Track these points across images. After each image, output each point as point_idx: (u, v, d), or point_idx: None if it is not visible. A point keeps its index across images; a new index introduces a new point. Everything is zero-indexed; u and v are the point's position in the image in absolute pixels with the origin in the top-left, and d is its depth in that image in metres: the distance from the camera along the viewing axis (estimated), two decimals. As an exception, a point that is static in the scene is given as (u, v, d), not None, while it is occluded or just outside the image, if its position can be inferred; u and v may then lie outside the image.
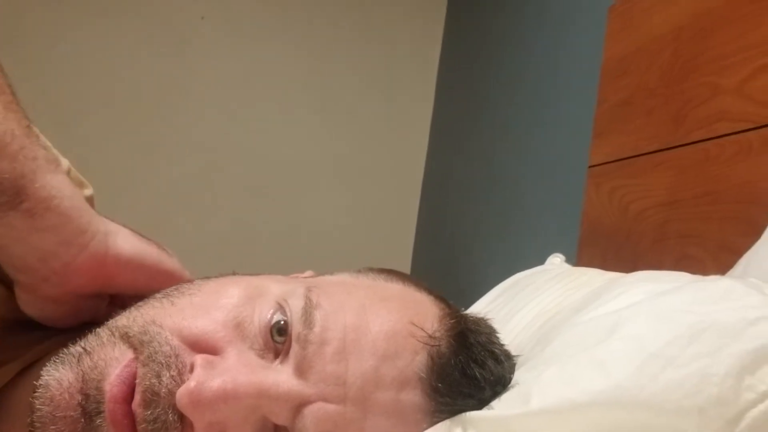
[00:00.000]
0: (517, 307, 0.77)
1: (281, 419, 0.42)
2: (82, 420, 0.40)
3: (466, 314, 0.52)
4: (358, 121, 2.33)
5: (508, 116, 1.72)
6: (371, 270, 0.54)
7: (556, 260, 1.12)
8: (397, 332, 0.45)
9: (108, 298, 0.52)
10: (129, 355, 0.42)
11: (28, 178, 0.43)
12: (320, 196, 2.28)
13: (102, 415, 0.40)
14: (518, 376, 0.48)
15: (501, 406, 0.44)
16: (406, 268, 2.30)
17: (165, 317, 0.44)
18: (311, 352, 0.42)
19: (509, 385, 0.47)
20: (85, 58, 2.08)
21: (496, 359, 0.48)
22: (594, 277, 0.78)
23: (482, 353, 0.47)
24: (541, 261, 1.13)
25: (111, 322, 0.45)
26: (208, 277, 0.51)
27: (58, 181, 0.45)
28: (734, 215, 0.78)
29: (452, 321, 0.48)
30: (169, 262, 0.52)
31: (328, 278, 0.53)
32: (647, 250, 0.94)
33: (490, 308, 0.85)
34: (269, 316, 0.45)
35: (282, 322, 0.44)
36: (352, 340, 0.43)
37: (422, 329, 0.45)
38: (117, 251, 0.48)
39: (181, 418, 0.40)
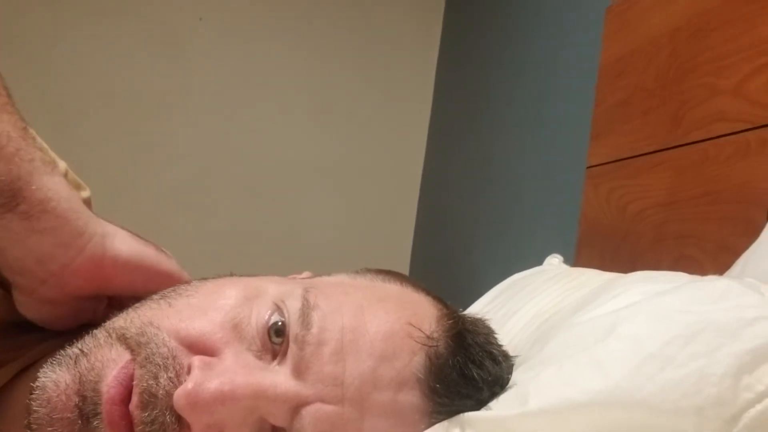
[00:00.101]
0: (515, 308, 0.77)
1: (279, 420, 0.42)
2: (79, 421, 0.40)
3: (464, 315, 0.52)
4: (357, 121, 2.33)
5: (506, 117, 1.72)
6: (369, 271, 0.54)
7: (554, 261, 1.12)
8: (394, 333, 0.45)
9: (106, 299, 0.52)
10: (126, 356, 0.42)
11: (25, 180, 0.43)
12: (319, 196, 2.28)
13: (99, 417, 0.40)
14: (516, 376, 0.48)
15: (499, 406, 0.44)
16: (405, 269, 2.30)
17: (162, 318, 0.44)
18: (309, 353, 0.42)
19: (507, 386, 0.47)
20: (82, 59, 2.07)
21: (494, 360, 0.48)
22: (592, 277, 0.78)
23: (480, 354, 0.47)
24: (539, 261, 1.13)
25: (108, 324, 0.45)
26: (205, 278, 0.51)
27: (55, 183, 0.45)
28: (732, 215, 0.78)
29: (450, 321, 0.48)
30: (167, 263, 0.52)
31: (325, 279, 0.53)
32: (645, 250, 0.94)
33: (488, 309, 0.85)
34: (267, 317, 0.44)
35: (279, 323, 0.44)
36: (350, 341, 0.43)
37: (420, 330, 0.45)
38: (114, 253, 0.47)
39: (179, 419, 0.40)
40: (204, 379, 0.40)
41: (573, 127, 1.30)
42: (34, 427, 0.40)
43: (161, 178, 2.14)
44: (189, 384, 0.40)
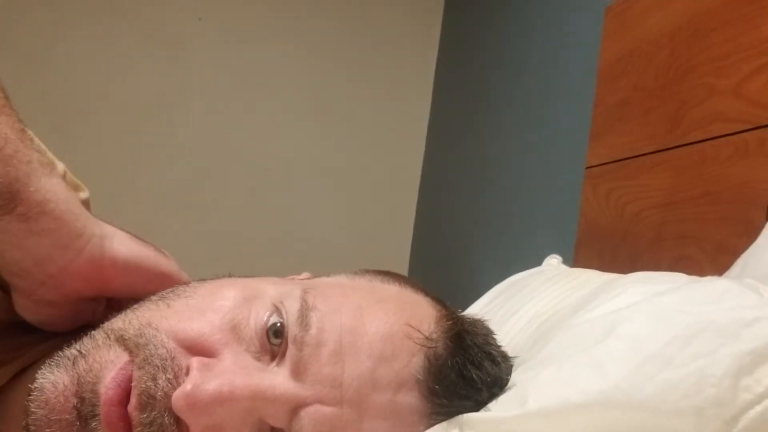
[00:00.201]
0: (514, 309, 0.77)
1: (278, 422, 0.42)
2: (77, 423, 0.40)
3: (463, 316, 0.52)
4: (356, 121, 2.33)
5: (505, 117, 1.72)
6: (368, 271, 0.54)
7: (553, 261, 1.12)
8: (393, 334, 0.45)
9: (105, 301, 0.52)
10: (124, 357, 0.42)
11: (23, 182, 0.43)
12: (318, 196, 2.28)
13: (97, 418, 0.40)
14: (515, 377, 0.48)
15: (498, 407, 0.44)
16: (404, 269, 2.30)
17: (161, 320, 0.44)
18: (307, 354, 0.42)
19: (506, 387, 0.47)
20: (82, 60, 2.07)
21: (493, 361, 0.48)
22: (591, 278, 0.78)
23: (479, 355, 0.47)
24: (538, 262, 1.13)
25: (106, 325, 0.45)
26: (204, 279, 0.51)
27: (53, 185, 0.45)
28: (731, 216, 0.78)
29: (449, 322, 0.48)
30: (166, 264, 0.52)
31: (324, 280, 0.53)
32: (644, 250, 0.94)
33: (487, 309, 0.85)
34: (265, 318, 0.44)
35: (278, 324, 0.44)
36: (349, 342, 0.43)
37: (419, 331, 0.45)
38: (113, 254, 0.47)
39: (178, 420, 0.40)
40: (203, 381, 0.40)
41: (572, 127, 1.30)
42: (33, 428, 0.40)
43: (160, 179, 2.14)
44: (188, 385, 0.40)
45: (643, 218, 0.96)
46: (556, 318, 0.61)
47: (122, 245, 0.48)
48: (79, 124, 2.06)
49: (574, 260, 1.13)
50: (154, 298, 0.48)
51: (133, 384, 0.41)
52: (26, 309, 0.48)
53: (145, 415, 0.40)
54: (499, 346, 0.52)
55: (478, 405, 0.45)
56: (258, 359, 0.43)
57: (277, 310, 0.45)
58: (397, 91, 2.36)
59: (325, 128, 2.30)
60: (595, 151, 1.13)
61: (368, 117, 2.33)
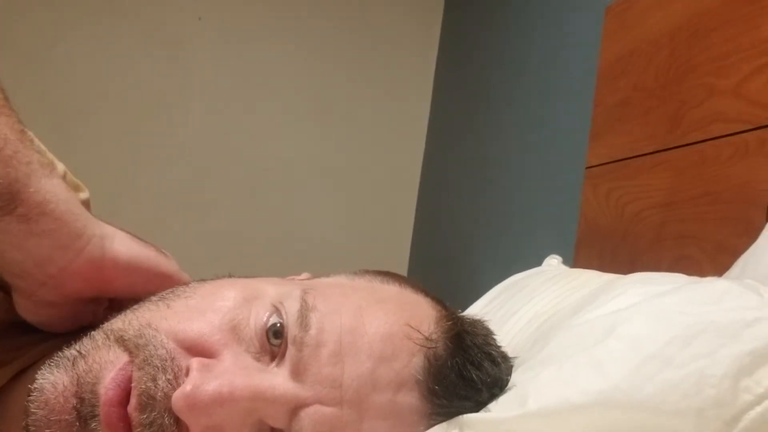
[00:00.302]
0: (514, 309, 0.77)
1: (278, 422, 0.42)
2: (77, 423, 0.40)
3: (463, 316, 0.52)
4: (356, 121, 2.33)
5: (505, 117, 1.72)
6: (368, 272, 0.54)
7: (553, 261, 1.13)
8: (393, 334, 0.45)
9: (106, 302, 0.52)
10: (124, 358, 0.42)
11: (22, 183, 0.43)
12: (318, 196, 2.28)
13: (97, 419, 0.40)
14: (515, 377, 0.48)
15: (498, 408, 0.44)
16: (403, 270, 2.30)
17: (161, 320, 0.44)
18: (307, 355, 0.42)
19: (506, 387, 0.47)
20: (82, 59, 2.07)
21: (493, 361, 0.48)
22: (591, 278, 0.78)
23: (479, 355, 0.47)
24: (538, 262, 1.13)
25: (106, 325, 0.45)
26: (203, 280, 0.51)
27: (53, 185, 0.45)
28: (731, 216, 0.78)
29: (449, 323, 0.48)
30: (167, 264, 0.52)
31: (324, 280, 0.53)
32: (644, 251, 0.94)
33: (487, 310, 0.85)
34: (265, 318, 0.44)
35: (278, 325, 0.44)
36: (349, 343, 0.43)
37: (419, 331, 0.45)
38: (113, 255, 0.47)
39: (177, 421, 0.40)
40: (202, 381, 0.40)
41: (572, 127, 1.30)
42: (32, 429, 0.40)
43: (160, 179, 2.14)
44: (187, 386, 0.40)
45: (643, 218, 0.96)
46: (556, 318, 0.61)
47: (123, 246, 0.48)
48: (79, 124, 2.06)
49: (574, 260, 1.13)
50: (153, 298, 0.48)
51: (132, 385, 0.41)
52: (27, 310, 0.48)
53: (144, 416, 0.40)
54: (499, 347, 0.52)
55: (478, 405, 0.45)
56: (258, 360, 0.43)
57: (276, 310, 0.45)
58: (397, 91, 2.36)
59: (325, 128, 2.30)
60: (595, 151, 1.13)
61: (368, 117, 2.33)
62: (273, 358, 0.44)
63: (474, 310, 0.88)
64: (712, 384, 0.36)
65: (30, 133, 0.47)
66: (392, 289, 0.51)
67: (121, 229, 0.50)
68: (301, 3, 2.29)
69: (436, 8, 2.39)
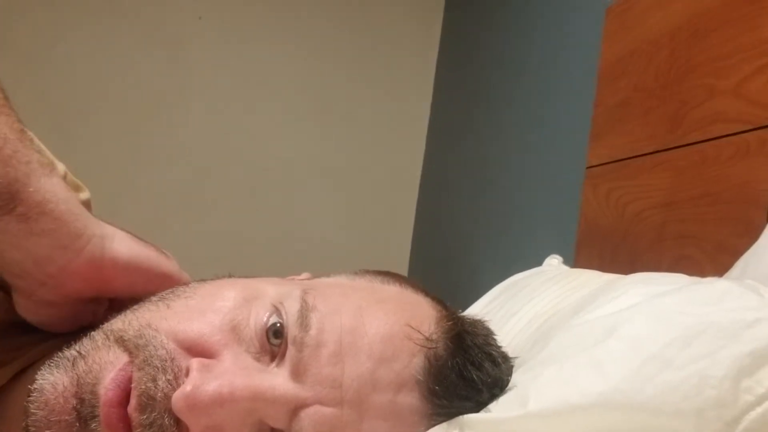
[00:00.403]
0: (515, 309, 0.77)
1: (278, 422, 0.42)
2: (77, 424, 0.40)
3: (463, 316, 0.52)
4: (356, 121, 2.33)
5: (505, 117, 1.72)
6: (368, 272, 0.54)
7: (553, 261, 1.12)
8: (393, 335, 0.44)
9: (107, 302, 0.52)
10: (124, 358, 0.42)
11: (22, 182, 0.43)
12: (318, 196, 2.28)
13: (97, 419, 0.40)
14: (516, 378, 0.48)
15: (498, 408, 0.44)
16: (404, 270, 2.29)
17: (160, 320, 0.44)
18: (307, 355, 0.42)
19: (507, 388, 0.47)
20: (82, 59, 2.07)
21: (494, 361, 0.48)
22: (592, 278, 0.78)
23: (479, 355, 0.47)
24: (538, 262, 1.13)
25: (106, 326, 0.45)
26: (203, 280, 0.51)
27: (53, 185, 0.45)
28: (732, 216, 0.78)
29: (449, 323, 0.48)
30: (167, 264, 0.52)
31: (324, 280, 0.53)
32: (645, 251, 0.94)
33: (487, 310, 0.85)
34: (265, 318, 0.44)
35: (278, 325, 0.44)
36: (349, 343, 0.43)
37: (419, 331, 0.45)
38: (113, 255, 0.47)
39: (177, 422, 0.40)
40: (202, 382, 0.40)
41: (573, 127, 1.29)
42: (32, 429, 0.40)
43: (160, 179, 2.14)
44: (187, 386, 0.40)
45: (643, 218, 0.96)
46: (557, 318, 0.60)
47: (123, 245, 0.48)
48: (79, 124, 2.06)
49: (574, 260, 1.13)
50: (153, 299, 0.48)
51: (132, 385, 0.41)
52: (27, 309, 0.48)
53: (144, 416, 0.40)
54: (500, 347, 0.52)
55: (479, 406, 0.45)
56: (258, 360, 0.43)
57: (276, 310, 0.45)
58: (397, 91, 2.36)
59: (325, 128, 2.30)
60: (595, 151, 1.13)
61: (368, 117, 2.33)
62: (273, 358, 0.43)
63: (474, 311, 0.88)
64: (713, 385, 0.36)
65: (30, 133, 0.47)
66: (392, 290, 0.51)
67: (122, 229, 0.50)
68: (301, 3, 2.29)
69: (436, 8, 2.39)
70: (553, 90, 1.48)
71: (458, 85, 2.16)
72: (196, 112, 2.19)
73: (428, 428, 0.44)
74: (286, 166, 2.25)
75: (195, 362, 0.41)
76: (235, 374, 0.41)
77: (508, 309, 0.79)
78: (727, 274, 0.64)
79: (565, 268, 1.03)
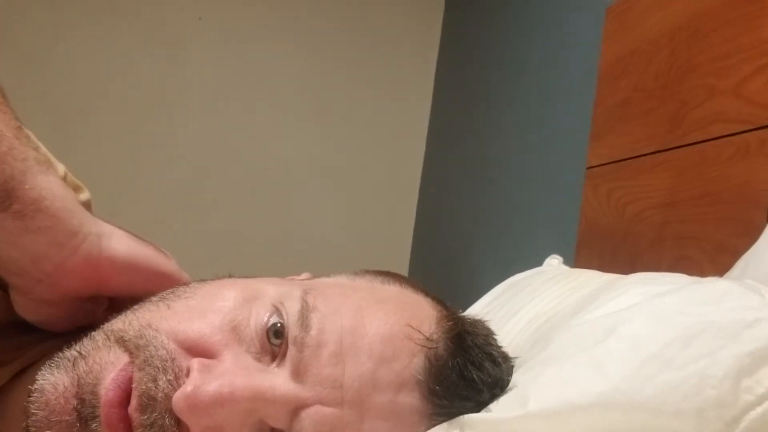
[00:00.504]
0: (515, 309, 0.77)
1: (278, 423, 0.42)
2: (78, 424, 0.40)
3: (464, 316, 0.52)
4: (356, 121, 2.33)
5: (505, 117, 1.72)
6: (368, 272, 0.54)
7: (554, 261, 1.13)
8: (394, 335, 0.44)
9: (106, 301, 0.52)
10: (125, 359, 0.42)
11: (18, 180, 0.43)
12: (318, 196, 2.28)
13: (97, 420, 0.40)
14: (516, 378, 0.48)
15: (499, 408, 0.44)
16: (404, 270, 2.29)
17: (161, 321, 0.44)
18: (308, 355, 0.42)
19: (507, 388, 0.47)
20: (82, 59, 2.07)
21: (494, 361, 0.48)
22: (592, 278, 0.78)
23: (480, 355, 0.47)
24: (538, 262, 1.13)
25: (106, 326, 0.45)
26: (204, 280, 0.51)
27: (49, 182, 0.45)
28: (732, 216, 0.78)
29: (449, 323, 0.48)
30: (166, 263, 0.52)
31: (324, 280, 0.53)
32: (645, 251, 0.94)
33: (487, 310, 0.85)
34: (266, 318, 0.44)
35: (278, 325, 0.44)
36: (349, 343, 0.43)
37: (419, 331, 0.45)
38: (110, 253, 0.47)
39: (178, 422, 0.40)
40: (203, 382, 0.40)
41: (573, 127, 1.30)
42: (33, 429, 0.40)
43: (160, 179, 2.14)
44: (188, 387, 0.40)
45: (643, 218, 0.96)
46: (557, 318, 0.61)
47: (120, 244, 0.48)
48: (79, 124, 2.06)
49: (574, 260, 1.13)
50: (154, 299, 0.47)
51: (133, 385, 0.41)
52: (25, 308, 0.47)
53: (145, 417, 0.40)
54: (500, 347, 0.52)
55: (479, 406, 0.45)
56: (258, 360, 0.43)
57: (277, 310, 0.45)
58: (397, 91, 2.36)
59: (325, 128, 2.30)
60: (595, 152, 1.13)
61: (368, 117, 2.33)
62: (273, 358, 0.43)
63: (474, 311, 0.88)
64: (713, 385, 0.36)
65: (27, 131, 0.47)
66: (393, 290, 0.51)
67: (120, 228, 0.50)
68: (301, 3, 2.28)
69: (436, 8, 2.39)
70: (553, 90, 1.48)
71: (458, 85, 2.16)
72: (196, 112, 2.19)
73: (429, 428, 0.44)
74: (286, 166, 2.25)
75: (195, 362, 0.41)
76: (235, 374, 0.41)
77: (508, 309, 0.79)
78: (727, 274, 0.64)
79: (565, 268, 1.03)
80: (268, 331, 0.44)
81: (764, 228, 0.65)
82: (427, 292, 0.52)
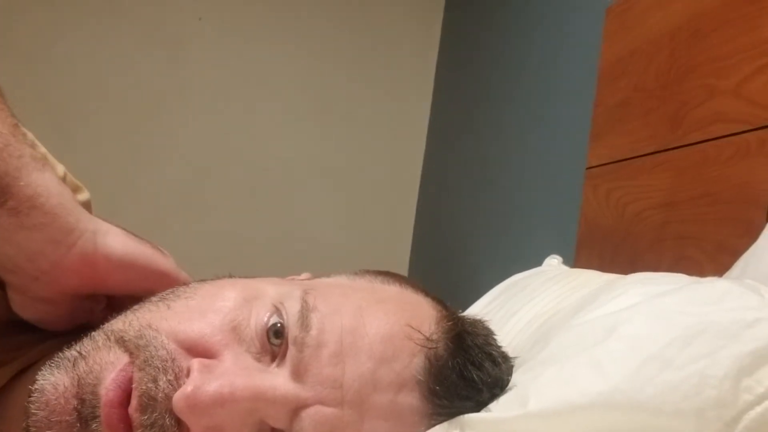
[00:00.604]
0: (515, 309, 0.77)
1: (279, 423, 0.42)
2: (78, 424, 0.40)
3: (464, 316, 0.52)
4: (356, 121, 2.33)
5: (505, 117, 1.72)
6: (368, 272, 0.54)
7: (553, 262, 1.12)
8: (394, 335, 0.44)
9: (104, 300, 0.52)
10: (125, 359, 0.42)
11: (13, 176, 0.43)
12: (318, 196, 2.28)
13: (98, 420, 0.40)
14: (516, 378, 0.48)
15: (499, 408, 0.44)
16: (404, 270, 2.30)
17: (161, 321, 0.44)
18: (308, 355, 0.42)
19: (507, 387, 0.47)
20: (82, 59, 2.07)
21: (494, 361, 0.48)
22: (592, 278, 0.78)
23: (479, 355, 0.47)
24: (538, 262, 1.13)
25: (107, 326, 0.45)
26: (204, 280, 0.51)
27: (44, 180, 0.44)
28: (732, 216, 0.78)
29: (449, 323, 0.48)
30: (164, 262, 0.51)
31: (324, 280, 0.53)
32: (645, 251, 0.94)
33: (487, 310, 0.85)
34: (266, 318, 0.44)
35: (279, 325, 0.44)
36: (349, 343, 0.43)
37: (419, 332, 0.45)
38: (107, 250, 0.47)
39: (178, 422, 0.40)
40: (203, 382, 0.40)
41: (573, 127, 1.30)
42: (33, 429, 0.40)
43: (160, 179, 2.14)
44: (188, 387, 0.40)
45: (643, 219, 0.96)
46: (557, 318, 0.61)
47: (117, 241, 0.48)
48: (79, 124, 2.06)
49: (574, 260, 1.13)
50: (154, 299, 0.47)
51: (133, 386, 0.41)
52: (22, 306, 0.47)
53: (145, 417, 0.40)
54: (500, 347, 0.52)
55: (479, 405, 0.45)
56: (258, 360, 0.43)
57: (277, 310, 0.45)
58: (397, 91, 2.36)
59: (325, 128, 2.30)
60: (595, 152, 1.13)
61: (368, 117, 2.33)
62: (274, 358, 0.43)
63: (474, 311, 0.88)
64: (713, 385, 0.36)
65: (23, 128, 0.46)
66: (393, 290, 0.51)
67: (117, 226, 0.50)
68: (301, 3, 2.29)
69: (436, 8, 2.39)
70: (553, 90, 1.48)
71: (458, 85, 2.16)
72: (196, 112, 2.19)
73: (429, 428, 0.44)
74: (286, 166, 2.25)
75: (196, 362, 0.41)
76: (235, 374, 0.41)
77: (508, 309, 0.79)
78: (727, 274, 0.64)
79: (565, 268, 1.03)
80: (268, 331, 0.44)
81: (764, 228, 0.65)
82: (427, 292, 0.52)
